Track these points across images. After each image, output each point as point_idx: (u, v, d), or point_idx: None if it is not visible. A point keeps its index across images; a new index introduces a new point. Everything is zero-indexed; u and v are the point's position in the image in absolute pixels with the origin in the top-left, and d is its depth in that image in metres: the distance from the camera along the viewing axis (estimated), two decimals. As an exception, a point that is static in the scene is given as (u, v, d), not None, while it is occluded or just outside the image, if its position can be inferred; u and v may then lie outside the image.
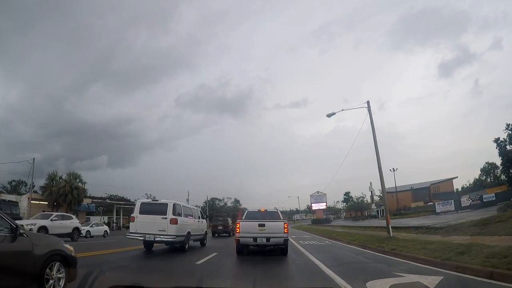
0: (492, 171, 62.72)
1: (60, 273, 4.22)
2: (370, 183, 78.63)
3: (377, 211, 76.72)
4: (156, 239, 10.81)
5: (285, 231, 9.88)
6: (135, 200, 72.48)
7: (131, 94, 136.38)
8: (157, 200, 12.36)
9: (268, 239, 9.73)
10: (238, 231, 9.96)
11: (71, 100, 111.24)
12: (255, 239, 9.76)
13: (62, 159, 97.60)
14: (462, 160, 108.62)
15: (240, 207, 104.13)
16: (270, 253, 10.64)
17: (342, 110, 17.29)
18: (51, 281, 4.00)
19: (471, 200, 40.10)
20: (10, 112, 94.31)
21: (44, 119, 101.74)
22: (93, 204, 39.63)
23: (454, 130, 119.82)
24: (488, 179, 66.37)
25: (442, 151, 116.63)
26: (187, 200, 60.25)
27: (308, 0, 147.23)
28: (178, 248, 11.69)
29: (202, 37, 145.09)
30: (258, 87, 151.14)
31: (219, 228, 23.74)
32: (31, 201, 33.48)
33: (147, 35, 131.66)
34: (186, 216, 12.35)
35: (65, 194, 31.32)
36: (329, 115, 17.56)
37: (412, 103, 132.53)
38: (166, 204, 11.35)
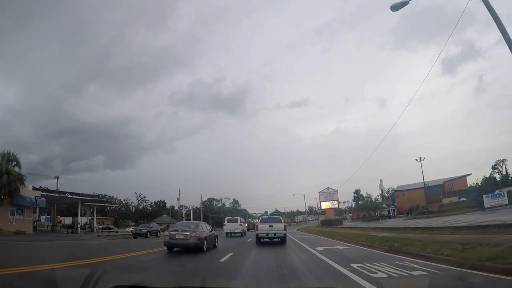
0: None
1: (217, 241, 15.79)
2: (381, 181, 72.85)
3: (389, 210, 70.29)
4: (235, 231, 28.56)
5: (284, 230, 16.95)
6: (125, 200, 68.60)
7: (129, 93, 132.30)
8: (234, 217, 34.94)
9: (275, 234, 16.49)
10: (257, 229, 17.13)
11: (69, 100, 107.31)
12: (267, 234, 16.54)
13: (59, 159, 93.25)
14: (465, 159, 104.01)
15: (239, 208, 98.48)
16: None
17: None
18: (217, 244, 15.34)
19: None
20: (6, 112, 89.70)
21: (41, 119, 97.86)
22: (42, 198, 30.67)
23: (457, 128, 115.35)
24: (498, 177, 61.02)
25: (445, 150, 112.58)
26: (178, 199, 65.17)
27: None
28: (240, 236, 27.76)
29: (202, 35, 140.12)
30: (258, 86, 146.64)
31: (250, 227, 42.42)
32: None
33: (145, 33, 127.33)
34: (243, 222, 33.44)
35: (-6, 182, 23.06)
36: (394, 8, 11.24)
37: (414, 102, 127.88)
38: (238, 218, 31.74)
